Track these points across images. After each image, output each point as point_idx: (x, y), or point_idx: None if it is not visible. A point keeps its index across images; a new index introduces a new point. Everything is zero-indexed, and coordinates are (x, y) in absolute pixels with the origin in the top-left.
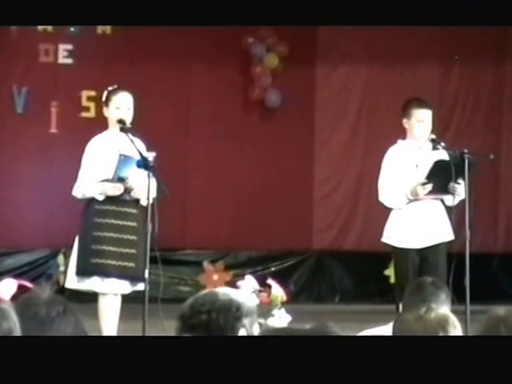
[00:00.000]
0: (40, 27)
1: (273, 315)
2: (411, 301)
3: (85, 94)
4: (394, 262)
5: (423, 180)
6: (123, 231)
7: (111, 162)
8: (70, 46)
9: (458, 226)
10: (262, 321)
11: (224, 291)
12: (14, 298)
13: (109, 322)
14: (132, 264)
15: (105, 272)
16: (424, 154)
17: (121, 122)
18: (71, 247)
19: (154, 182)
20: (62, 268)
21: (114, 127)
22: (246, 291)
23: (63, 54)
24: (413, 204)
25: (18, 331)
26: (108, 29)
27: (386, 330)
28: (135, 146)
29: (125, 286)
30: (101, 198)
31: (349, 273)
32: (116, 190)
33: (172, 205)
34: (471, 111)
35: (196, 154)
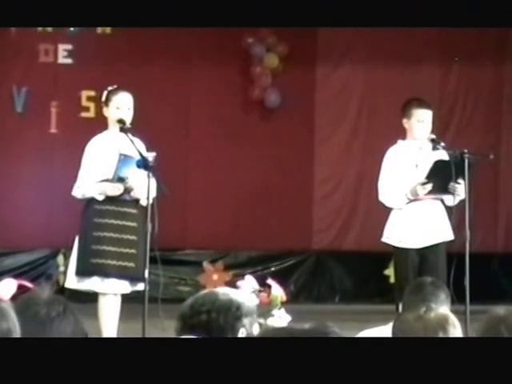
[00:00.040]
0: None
1: (273, 315)
2: (411, 301)
3: (84, 94)
4: (394, 262)
5: (423, 180)
6: (123, 231)
7: (111, 162)
8: (69, 46)
9: (457, 226)
10: (261, 321)
11: (224, 291)
12: (13, 298)
13: (109, 322)
14: (132, 264)
15: (105, 272)
16: (424, 154)
17: (121, 121)
18: (71, 247)
19: (153, 182)
20: (61, 268)
21: (113, 127)
22: (245, 291)
23: (63, 54)
24: (413, 204)
25: (17, 331)
26: (108, 29)
27: (385, 329)
28: (135, 146)
29: (125, 286)
30: (101, 198)
31: (349, 273)
32: (116, 189)
33: (172, 205)
34: (471, 111)
35: (196, 153)
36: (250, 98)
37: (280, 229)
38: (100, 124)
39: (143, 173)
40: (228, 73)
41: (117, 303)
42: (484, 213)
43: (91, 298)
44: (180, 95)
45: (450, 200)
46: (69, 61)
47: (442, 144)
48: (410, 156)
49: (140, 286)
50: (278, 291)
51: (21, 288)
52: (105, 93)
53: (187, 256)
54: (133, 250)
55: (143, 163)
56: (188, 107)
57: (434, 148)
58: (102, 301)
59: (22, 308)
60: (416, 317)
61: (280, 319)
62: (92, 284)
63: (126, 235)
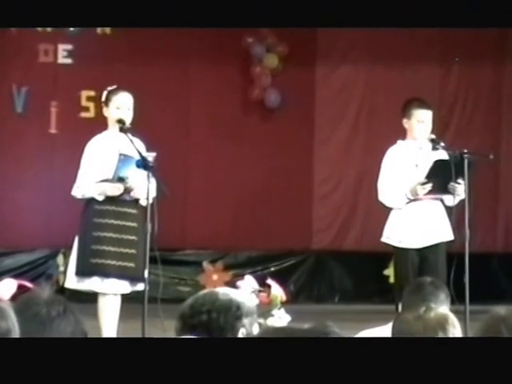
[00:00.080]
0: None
1: (272, 315)
2: (411, 300)
3: (84, 94)
4: (394, 262)
5: (423, 180)
6: (123, 231)
7: (111, 162)
8: (69, 46)
9: (457, 226)
10: (261, 321)
11: (224, 291)
12: (13, 298)
13: (109, 321)
14: (132, 264)
15: (105, 272)
16: (424, 153)
17: (120, 122)
18: (71, 247)
19: (153, 182)
20: (61, 268)
21: (113, 127)
22: (245, 291)
23: (63, 54)
24: (413, 204)
25: (16, 331)
26: (108, 29)
27: (385, 329)
28: (135, 146)
29: (124, 286)
30: (100, 198)
31: (348, 273)
32: (116, 190)
33: (172, 205)
34: (471, 111)
35: (196, 154)
36: (250, 98)
37: (280, 229)
38: (100, 124)
39: (143, 173)
40: (228, 73)
41: (117, 303)
42: (484, 213)
43: (91, 297)
44: (180, 95)
45: (450, 200)
46: (69, 61)
47: (442, 144)
48: (410, 156)
49: (140, 286)
50: (277, 291)
51: (21, 288)
52: (105, 93)
53: (187, 256)
54: (133, 250)
55: (143, 163)
56: (188, 107)
57: (434, 148)
58: (101, 301)
59: (22, 308)
60: (416, 317)
61: (280, 319)
62: (92, 284)
63: (125, 235)
